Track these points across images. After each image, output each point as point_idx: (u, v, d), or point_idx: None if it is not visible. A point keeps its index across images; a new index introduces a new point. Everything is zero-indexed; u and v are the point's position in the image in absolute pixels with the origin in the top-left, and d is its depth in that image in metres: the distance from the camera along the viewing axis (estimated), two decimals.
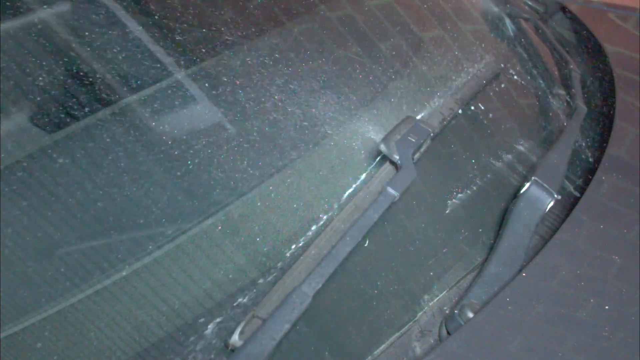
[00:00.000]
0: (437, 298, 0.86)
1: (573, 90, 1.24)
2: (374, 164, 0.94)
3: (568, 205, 1.02)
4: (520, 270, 0.84)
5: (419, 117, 1.01)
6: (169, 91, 0.88)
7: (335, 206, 0.88)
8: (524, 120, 1.20)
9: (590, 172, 1.08)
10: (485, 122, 1.12)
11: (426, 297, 0.86)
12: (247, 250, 0.82)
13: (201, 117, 0.89)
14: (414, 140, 0.92)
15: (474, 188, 1.00)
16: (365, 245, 0.86)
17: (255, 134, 0.89)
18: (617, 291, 0.82)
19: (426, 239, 0.92)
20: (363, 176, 0.92)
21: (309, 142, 0.91)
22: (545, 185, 0.96)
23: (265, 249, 0.82)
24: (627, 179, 1.01)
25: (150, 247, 0.78)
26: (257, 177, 0.86)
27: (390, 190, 0.85)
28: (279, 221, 0.85)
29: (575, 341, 0.76)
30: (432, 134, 0.95)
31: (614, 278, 0.84)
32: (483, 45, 1.23)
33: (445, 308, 0.85)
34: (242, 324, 0.73)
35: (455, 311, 0.79)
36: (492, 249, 0.91)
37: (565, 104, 1.24)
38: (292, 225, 0.85)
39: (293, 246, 0.83)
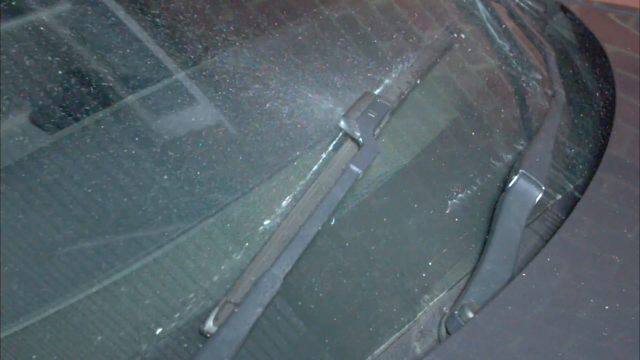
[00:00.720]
0: (437, 298, 0.86)
1: (550, 74, 1.23)
2: (335, 141, 0.93)
3: (568, 205, 1.02)
4: (520, 270, 0.84)
5: (376, 92, 1.00)
6: (169, 91, 0.88)
7: (299, 187, 0.87)
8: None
9: (590, 172, 1.08)
10: (484, 120, 1.12)
11: (426, 297, 0.86)
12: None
13: (201, 117, 0.89)
14: (373, 116, 0.91)
15: (474, 188, 1.00)
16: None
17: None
18: (617, 291, 0.82)
19: (426, 239, 0.92)
20: (325, 155, 0.91)
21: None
22: (532, 177, 0.95)
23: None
24: (627, 179, 1.01)
25: (150, 247, 0.78)
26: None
27: (354, 167, 0.85)
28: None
29: (575, 341, 0.76)
30: (391, 109, 0.95)
31: (614, 278, 0.84)
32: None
33: (445, 308, 0.85)
34: (215, 310, 0.73)
35: (456, 312, 0.79)
36: (484, 246, 0.91)
37: (543, 89, 1.22)
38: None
39: (260, 228, 0.83)
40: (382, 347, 0.80)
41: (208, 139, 0.86)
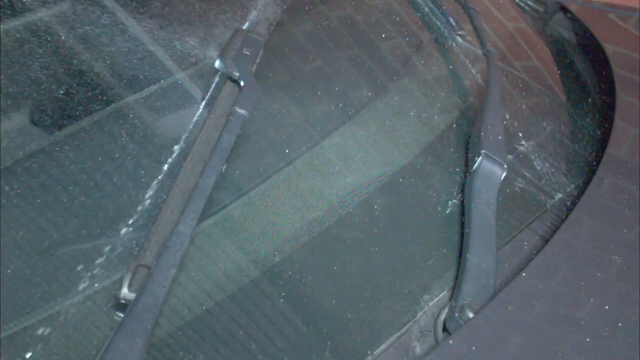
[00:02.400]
0: (437, 298, 0.86)
1: (478, 32, 1.20)
2: (214, 84, 0.91)
3: (568, 205, 1.02)
4: (520, 270, 0.84)
5: (245, 27, 0.98)
6: (169, 91, 0.88)
7: (185, 137, 0.85)
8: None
9: (590, 172, 1.08)
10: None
11: (426, 297, 0.86)
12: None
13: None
14: (249, 53, 0.89)
15: None
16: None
17: None
18: (617, 291, 0.82)
19: (426, 239, 0.92)
20: (206, 100, 0.89)
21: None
22: (494, 157, 0.94)
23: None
24: (627, 179, 1.01)
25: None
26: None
27: (239, 110, 0.83)
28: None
29: (575, 341, 0.76)
30: (263, 42, 0.93)
31: (614, 278, 0.84)
32: None
33: (444, 308, 0.85)
34: (128, 275, 0.71)
35: (456, 314, 0.79)
36: (463, 238, 0.90)
37: (472, 49, 1.19)
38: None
39: (153, 183, 0.80)
40: (382, 347, 0.80)
41: None
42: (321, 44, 1.07)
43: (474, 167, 0.94)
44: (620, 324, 0.78)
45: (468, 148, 1.02)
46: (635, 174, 1.02)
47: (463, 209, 0.94)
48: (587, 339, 0.76)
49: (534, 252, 0.92)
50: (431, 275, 0.88)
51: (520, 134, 1.12)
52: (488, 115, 1.00)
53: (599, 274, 0.84)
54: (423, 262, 0.89)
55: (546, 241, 0.90)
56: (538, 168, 1.07)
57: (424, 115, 1.07)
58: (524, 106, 1.21)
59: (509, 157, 1.06)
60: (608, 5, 1.59)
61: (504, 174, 0.94)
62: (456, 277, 0.86)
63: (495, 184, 0.93)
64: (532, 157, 1.09)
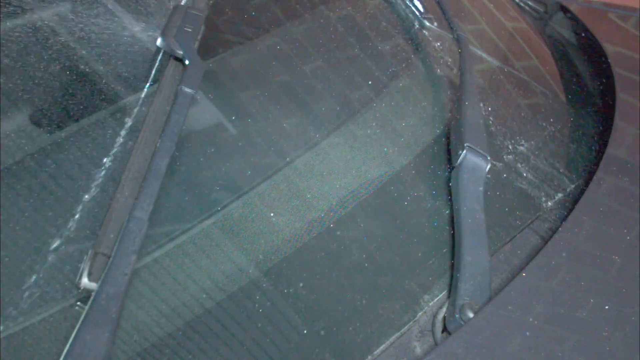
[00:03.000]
0: (437, 298, 0.86)
1: (446, 17, 1.17)
2: (157, 64, 0.89)
3: (568, 205, 1.02)
4: (521, 270, 0.84)
5: (184, 3, 0.96)
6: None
7: (132, 119, 0.83)
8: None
9: (590, 172, 1.08)
10: (486, 121, 1.12)
11: (426, 297, 0.86)
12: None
13: (201, 117, 0.89)
14: (190, 30, 0.88)
15: None
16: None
17: None
18: (617, 291, 0.82)
19: (426, 239, 0.92)
20: (150, 80, 0.87)
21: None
22: (477, 149, 0.93)
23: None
24: (627, 179, 1.01)
25: (150, 247, 0.78)
26: None
27: (186, 89, 0.81)
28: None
29: (575, 341, 0.76)
30: (204, 18, 0.91)
31: (614, 278, 0.84)
32: None
33: (442, 307, 0.85)
34: (87, 264, 0.69)
35: (456, 314, 0.79)
36: (455, 234, 0.89)
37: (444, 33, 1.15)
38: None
39: (102, 168, 0.78)
40: (382, 347, 0.80)
41: None
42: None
43: (459, 161, 0.93)
44: (620, 324, 0.78)
45: (449, 141, 1.00)
46: (635, 174, 1.02)
47: (451, 205, 0.93)
48: (587, 339, 0.76)
49: (534, 252, 0.92)
50: (431, 275, 0.88)
51: (520, 134, 1.12)
52: (466, 106, 0.98)
53: (599, 274, 0.84)
54: (423, 262, 0.89)
55: (546, 241, 0.90)
56: (538, 168, 1.07)
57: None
58: (524, 106, 1.21)
59: (509, 157, 1.06)
60: (608, 5, 1.59)
61: (489, 166, 0.93)
62: (451, 276, 0.86)
63: (481, 178, 0.92)
64: (532, 157, 1.09)
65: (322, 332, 0.79)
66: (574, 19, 1.51)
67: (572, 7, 1.53)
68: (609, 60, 1.29)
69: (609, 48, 1.34)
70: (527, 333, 0.76)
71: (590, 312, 0.79)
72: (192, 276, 0.78)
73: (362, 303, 0.83)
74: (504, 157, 1.06)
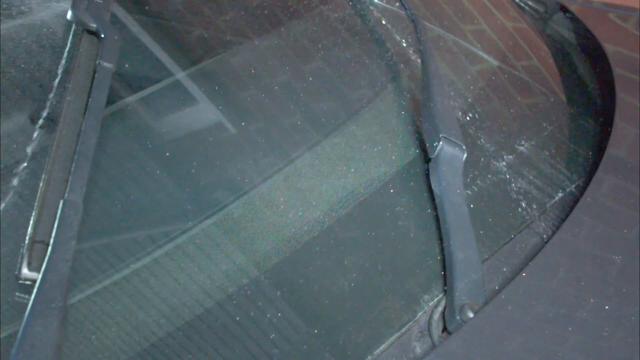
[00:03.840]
0: (437, 298, 0.86)
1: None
2: (70, 38, 0.84)
3: (568, 205, 1.02)
4: (521, 270, 0.84)
5: None
6: (169, 91, 0.88)
7: (50, 98, 0.79)
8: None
9: (590, 172, 1.08)
10: (487, 121, 1.12)
11: (426, 297, 0.86)
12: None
13: (201, 117, 0.89)
14: (101, 0, 0.83)
15: (475, 188, 1.00)
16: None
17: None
18: (617, 291, 0.82)
19: (426, 239, 0.91)
20: (65, 56, 0.82)
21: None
22: (453, 140, 0.91)
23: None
24: (627, 179, 1.01)
25: (150, 247, 0.78)
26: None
27: (105, 63, 0.78)
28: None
29: (575, 341, 0.76)
30: None
31: (614, 278, 0.84)
32: None
33: (437, 307, 0.85)
34: (26, 254, 0.66)
35: (457, 315, 0.79)
36: (441, 231, 0.88)
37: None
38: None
39: (26, 153, 0.75)
40: (382, 347, 0.80)
41: None
42: None
43: (435, 153, 0.91)
44: (620, 324, 0.78)
45: (423, 132, 0.96)
46: (635, 174, 1.02)
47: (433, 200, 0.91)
48: (587, 339, 0.76)
49: (534, 252, 0.92)
50: (431, 275, 0.88)
51: (520, 134, 1.12)
52: (435, 93, 0.95)
53: (599, 274, 0.84)
54: (423, 262, 0.89)
55: (546, 241, 0.90)
56: (538, 168, 1.07)
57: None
58: (524, 106, 1.21)
59: (510, 157, 1.06)
60: (608, 5, 1.59)
61: (465, 156, 0.91)
62: (444, 274, 0.86)
63: (459, 168, 0.90)
64: (532, 157, 1.09)
65: (322, 332, 0.79)
66: (574, 19, 1.51)
67: (572, 7, 1.53)
68: (609, 60, 1.29)
69: (609, 48, 1.34)
70: (527, 333, 0.76)
71: (590, 312, 0.79)
72: (192, 276, 0.78)
73: (362, 303, 0.83)
74: (504, 156, 1.06)
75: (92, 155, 0.71)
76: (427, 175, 0.94)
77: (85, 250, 0.76)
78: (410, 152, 0.98)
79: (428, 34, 1.05)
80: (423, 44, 1.04)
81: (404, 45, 1.14)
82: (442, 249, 0.88)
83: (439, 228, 0.89)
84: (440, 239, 0.89)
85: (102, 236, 0.77)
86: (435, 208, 0.91)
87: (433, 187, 0.90)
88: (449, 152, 0.90)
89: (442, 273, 0.88)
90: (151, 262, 0.77)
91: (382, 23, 1.16)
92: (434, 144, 0.91)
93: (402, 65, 1.12)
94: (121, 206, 0.79)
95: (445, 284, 0.85)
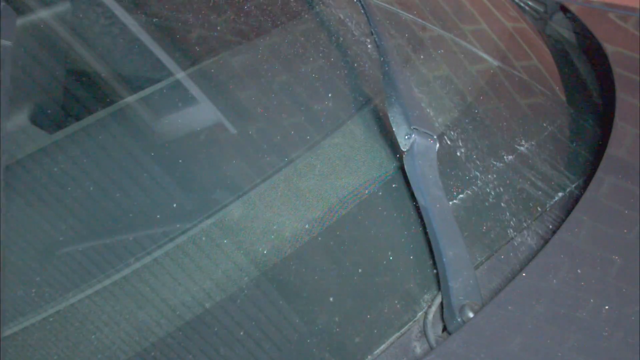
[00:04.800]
0: (432, 298, 0.86)
1: None
2: None
3: (568, 205, 1.02)
4: (520, 270, 0.84)
5: None
6: (169, 91, 0.88)
7: None
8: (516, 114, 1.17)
9: (590, 172, 1.08)
10: (487, 121, 1.12)
11: (426, 297, 0.86)
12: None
13: (201, 117, 0.89)
14: None
15: (474, 188, 1.00)
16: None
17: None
18: (617, 291, 0.82)
19: (426, 239, 0.91)
20: None
21: None
22: (424, 130, 0.88)
23: None
24: (627, 179, 1.01)
25: (150, 247, 0.78)
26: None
27: (4, 42, 0.73)
28: None
29: (575, 341, 0.76)
30: None
31: (614, 278, 0.84)
32: None
33: (431, 307, 0.85)
34: None
35: (457, 316, 0.79)
36: (426, 228, 0.86)
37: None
38: None
39: None
40: (382, 347, 0.80)
41: None
42: None
43: (409, 146, 0.88)
44: (620, 324, 0.78)
45: (392, 125, 0.92)
46: (635, 174, 1.02)
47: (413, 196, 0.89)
48: (587, 339, 0.76)
49: (534, 252, 0.92)
50: (430, 274, 0.88)
51: (521, 134, 1.12)
52: (397, 82, 0.91)
53: (599, 274, 0.84)
54: (423, 261, 0.89)
55: (546, 241, 0.90)
56: (538, 168, 1.07)
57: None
58: (524, 106, 1.21)
59: (510, 157, 1.06)
60: (608, 5, 1.59)
61: (437, 146, 0.89)
62: (436, 273, 0.85)
63: (434, 159, 0.88)
64: (532, 157, 1.09)
65: (322, 332, 0.79)
66: (574, 19, 1.51)
67: (572, 7, 1.53)
68: (609, 60, 1.29)
69: (609, 48, 1.34)
70: (527, 333, 0.76)
71: (590, 312, 0.79)
72: (192, 276, 0.78)
73: (362, 303, 0.83)
74: (504, 156, 1.06)
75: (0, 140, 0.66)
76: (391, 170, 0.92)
77: (86, 250, 0.76)
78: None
79: (379, 17, 1.00)
80: (375, 30, 0.98)
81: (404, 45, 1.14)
82: (430, 247, 0.87)
83: (423, 225, 0.88)
84: (426, 233, 0.87)
85: (102, 236, 0.77)
86: (416, 204, 0.89)
87: (411, 181, 0.88)
88: (423, 143, 0.88)
89: (435, 272, 0.87)
90: (151, 262, 0.77)
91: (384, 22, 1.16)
92: (406, 137, 0.88)
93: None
94: (121, 206, 0.79)
95: (438, 284, 0.85)
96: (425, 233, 0.89)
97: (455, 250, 0.83)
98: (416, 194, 0.88)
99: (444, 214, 0.85)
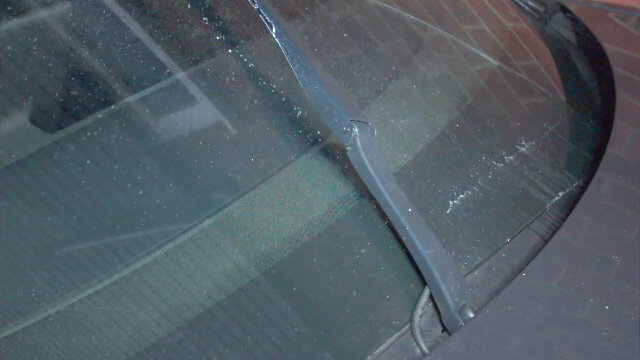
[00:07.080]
0: (415, 302, 0.85)
1: None
2: None
3: (568, 205, 1.02)
4: (520, 270, 0.84)
5: None
6: (169, 91, 0.88)
7: None
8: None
9: (590, 172, 1.08)
10: (487, 121, 1.12)
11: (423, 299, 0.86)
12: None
13: (201, 117, 0.89)
14: None
15: (475, 188, 1.00)
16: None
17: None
18: (617, 291, 0.82)
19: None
20: None
21: None
22: (360, 120, 0.82)
23: None
24: (627, 179, 1.01)
25: (150, 247, 0.78)
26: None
27: None
28: None
29: (575, 341, 0.76)
30: None
31: (614, 278, 0.84)
32: None
33: (416, 310, 0.84)
34: None
35: (457, 317, 0.79)
36: (394, 227, 0.83)
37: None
38: None
39: None
40: (382, 347, 0.80)
41: None
42: None
43: (352, 139, 0.81)
44: (620, 324, 0.78)
45: (326, 122, 0.85)
46: (635, 174, 1.02)
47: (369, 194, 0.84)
48: (587, 339, 0.76)
49: (534, 252, 0.92)
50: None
51: (521, 134, 1.12)
52: (315, 71, 0.84)
53: (599, 274, 0.84)
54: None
55: (546, 241, 0.90)
56: (538, 168, 1.07)
57: None
58: (524, 106, 1.21)
59: (510, 157, 1.06)
60: (608, 5, 1.59)
61: (376, 132, 0.83)
62: (419, 274, 0.83)
63: (378, 149, 0.82)
64: (532, 157, 1.09)
65: (322, 332, 0.79)
66: (574, 19, 1.51)
67: (572, 7, 1.53)
68: (609, 60, 1.29)
69: (609, 48, 1.34)
70: (527, 333, 0.76)
71: (590, 312, 0.79)
72: (192, 276, 0.78)
73: (362, 303, 0.83)
74: (504, 156, 1.06)
75: None
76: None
77: (85, 250, 0.76)
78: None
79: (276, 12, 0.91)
80: (270, 13, 0.90)
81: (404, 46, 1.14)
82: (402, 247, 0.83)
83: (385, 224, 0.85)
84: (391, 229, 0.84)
85: (102, 236, 0.77)
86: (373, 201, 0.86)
87: (362, 176, 0.82)
88: (365, 134, 0.81)
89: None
90: (151, 262, 0.77)
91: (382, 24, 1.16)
92: (344, 131, 0.82)
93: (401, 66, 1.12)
94: (121, 206, 0.79)
95: (423, 285, 0.83)
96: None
97: (433, 247, 0.80)
98: (370, 187, 0.82)
99: (406, 209, 0.80)
